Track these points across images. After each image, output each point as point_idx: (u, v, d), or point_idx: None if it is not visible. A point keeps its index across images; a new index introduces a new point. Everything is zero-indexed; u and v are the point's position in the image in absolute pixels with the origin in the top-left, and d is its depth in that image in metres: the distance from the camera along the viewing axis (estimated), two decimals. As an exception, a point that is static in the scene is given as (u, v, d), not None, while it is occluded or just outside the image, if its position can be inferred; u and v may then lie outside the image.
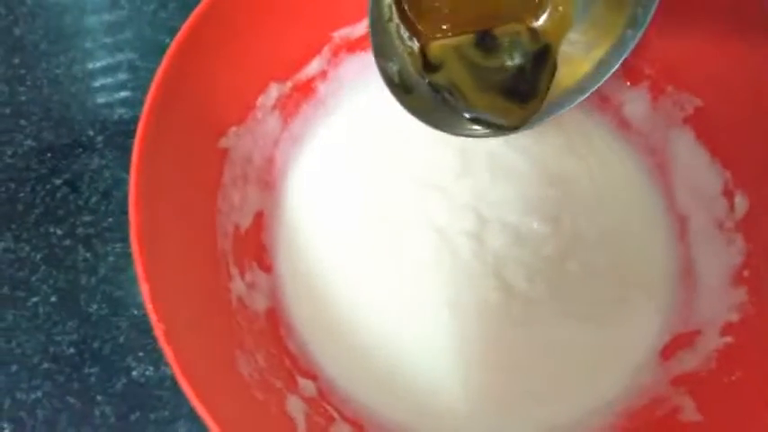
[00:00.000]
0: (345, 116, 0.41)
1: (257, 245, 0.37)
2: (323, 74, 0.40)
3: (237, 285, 0.33)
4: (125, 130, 0.45)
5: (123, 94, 0.47)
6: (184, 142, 0.32)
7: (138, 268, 0.26)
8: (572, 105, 0.34)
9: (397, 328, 0.36)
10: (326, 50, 0.40)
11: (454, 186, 0.40)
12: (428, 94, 0.35)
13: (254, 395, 0.29)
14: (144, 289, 0.26)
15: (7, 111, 0.45)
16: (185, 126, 0.32)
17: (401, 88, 0.34)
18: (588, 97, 0.41)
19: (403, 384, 0.35)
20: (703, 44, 0.37)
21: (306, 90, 0.40)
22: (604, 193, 0.40)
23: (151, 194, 0.28)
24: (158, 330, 0.25)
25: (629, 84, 0.41)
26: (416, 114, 0.34)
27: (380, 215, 0.39)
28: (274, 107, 0.38)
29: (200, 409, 0.24)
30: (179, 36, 0.31)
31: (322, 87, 0.41)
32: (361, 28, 0.40)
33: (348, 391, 0.34)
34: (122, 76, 0.47)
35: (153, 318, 0.25)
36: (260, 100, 0.37)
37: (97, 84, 0.47)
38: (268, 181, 0.38)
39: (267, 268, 0.37)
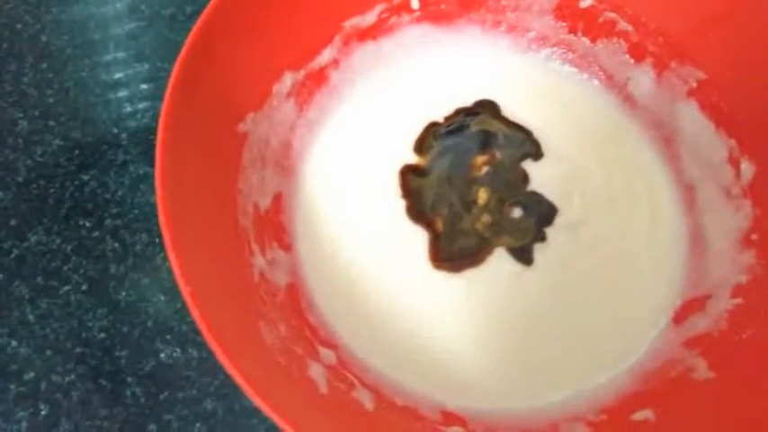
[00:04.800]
0: (359, 103, 0.43)
1: (277, 225, 0.38)
2: (335, 62, 0.42)
3: (259, 261, 0.35)
4: (147, 127, 0.47)
5: (145, 93, 0.49)
6: (205, 126, 0.34)
7: (166, 238, 0.27)
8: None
9: (414, 301, 0.37)
10: (337, 40, 0.41)
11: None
12: None
13: (277, 359, 0.30)
14: (171, 257, 0.27)
15: (36, 113, 0.48)
16: (205, 111, 0.34)
17: None
18: (594, 75, 0.43)
19: (421, 355, 0.36)
20: (704, 17, 0.38)
21: (319, 78, 0.42)
22: (612, 168, 0.41)
23: (176, 171, 0.30)
24: (185, 293, 0.26)
25: (633, 61, 0.42)
26: None
27: (394, 197, 0.40)
28: (289, 95, 0.40)
29: (227, 365, 0.25)
30: (195, 30, 0.33)
31: (335, 75, 0.42)
32: (371, 17, 0.42)
33: (367, 361, 0.35)
34: (144, 77, 0.49)
35: (180, 282, 0.26)
36: (275, 88, 0.39)
37: (120, 84, 0.49)
38: (286, 165, 0.40)
39: (287, 247, 0.38)
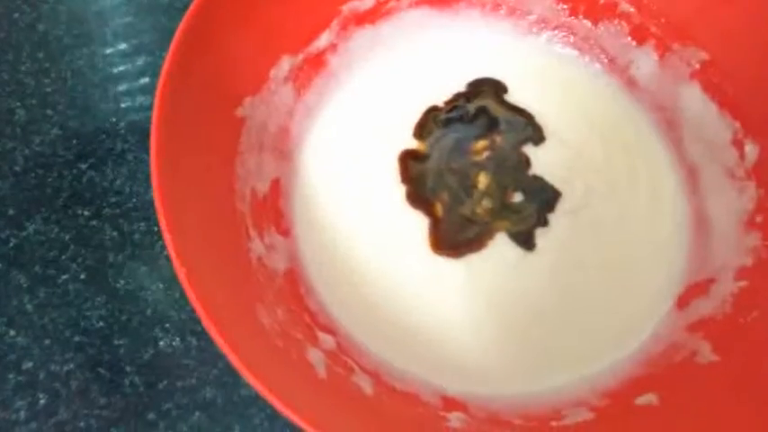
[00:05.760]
0: (357, 88, 0.43)
1: (275, 210, 0.38)
2: (333, 47, 0.41)
3: (257, 246, 0.34)
4: (145, 115, 0.47)
5: (142, 80, 0.48)
6: (202, 111, 0.33)
7: (161, 220, 0.27)
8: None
9: (415, 287, 0.37)
10: (335, 24, 0.41)
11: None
12: None
13: (274, 342, 0.30)
14: (167, 239, 0.27)
15: (34, 102, 0.47)
16: (202, 96, 0.33)
17: None
18: (596, 58, 0.42)
19: (421, 341, 0.36)
20: (707, -2, 0.38)
21: (317, 63, 0.41)
22: (615, 151, 0.40)
23: (172, 155, 0.29)
24: (180, 274, 0.26)
25: (635, 43, 0.41)
26: None
27: (394, 182, 0.40)
28: (287, 79, 0.39)
29: (222, 345, 0.25)
30: (189, 13, 0.33)
31: (333, 60, 0.42)
32: (369, 1, 0.41)
33: (366, 346, 0.35)
34: (141, 64, 0.49)
35: (176, 264, 0.26)
36: (273, 72, 0.38)
37: (118, 72, 0.49)
38: (284, 150, 0.39)
39: (285, 232, 0.38)
